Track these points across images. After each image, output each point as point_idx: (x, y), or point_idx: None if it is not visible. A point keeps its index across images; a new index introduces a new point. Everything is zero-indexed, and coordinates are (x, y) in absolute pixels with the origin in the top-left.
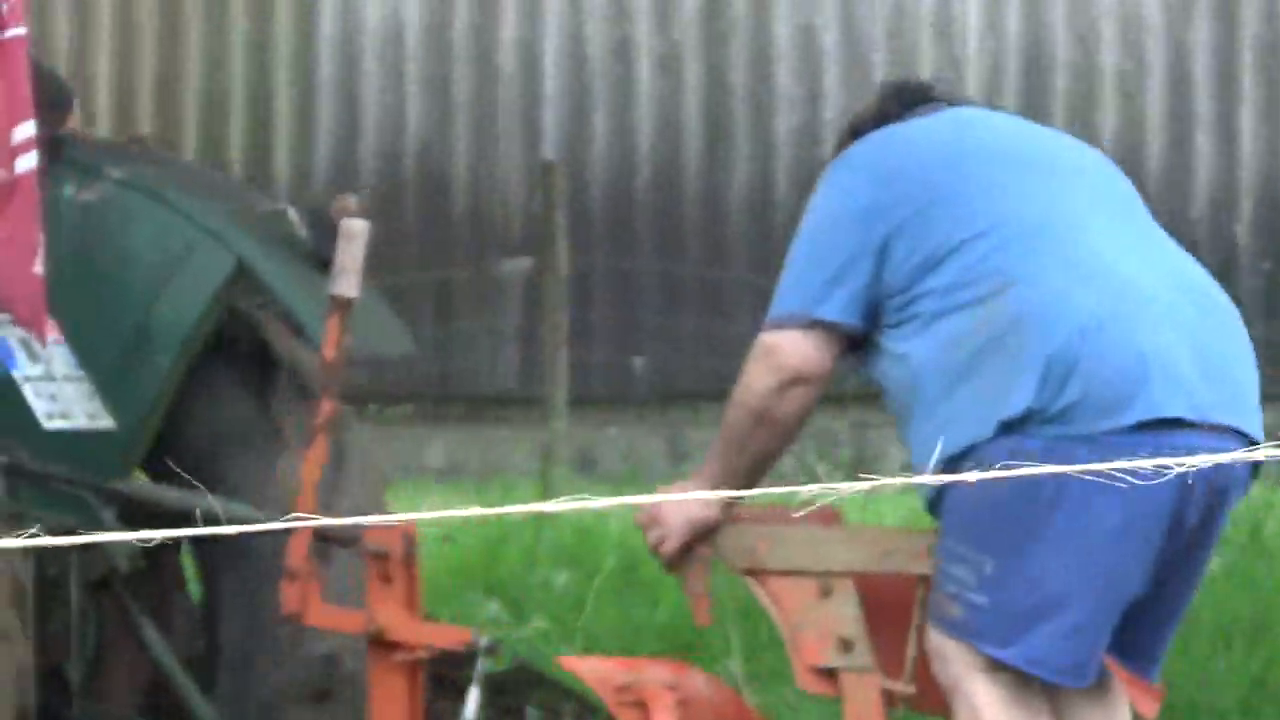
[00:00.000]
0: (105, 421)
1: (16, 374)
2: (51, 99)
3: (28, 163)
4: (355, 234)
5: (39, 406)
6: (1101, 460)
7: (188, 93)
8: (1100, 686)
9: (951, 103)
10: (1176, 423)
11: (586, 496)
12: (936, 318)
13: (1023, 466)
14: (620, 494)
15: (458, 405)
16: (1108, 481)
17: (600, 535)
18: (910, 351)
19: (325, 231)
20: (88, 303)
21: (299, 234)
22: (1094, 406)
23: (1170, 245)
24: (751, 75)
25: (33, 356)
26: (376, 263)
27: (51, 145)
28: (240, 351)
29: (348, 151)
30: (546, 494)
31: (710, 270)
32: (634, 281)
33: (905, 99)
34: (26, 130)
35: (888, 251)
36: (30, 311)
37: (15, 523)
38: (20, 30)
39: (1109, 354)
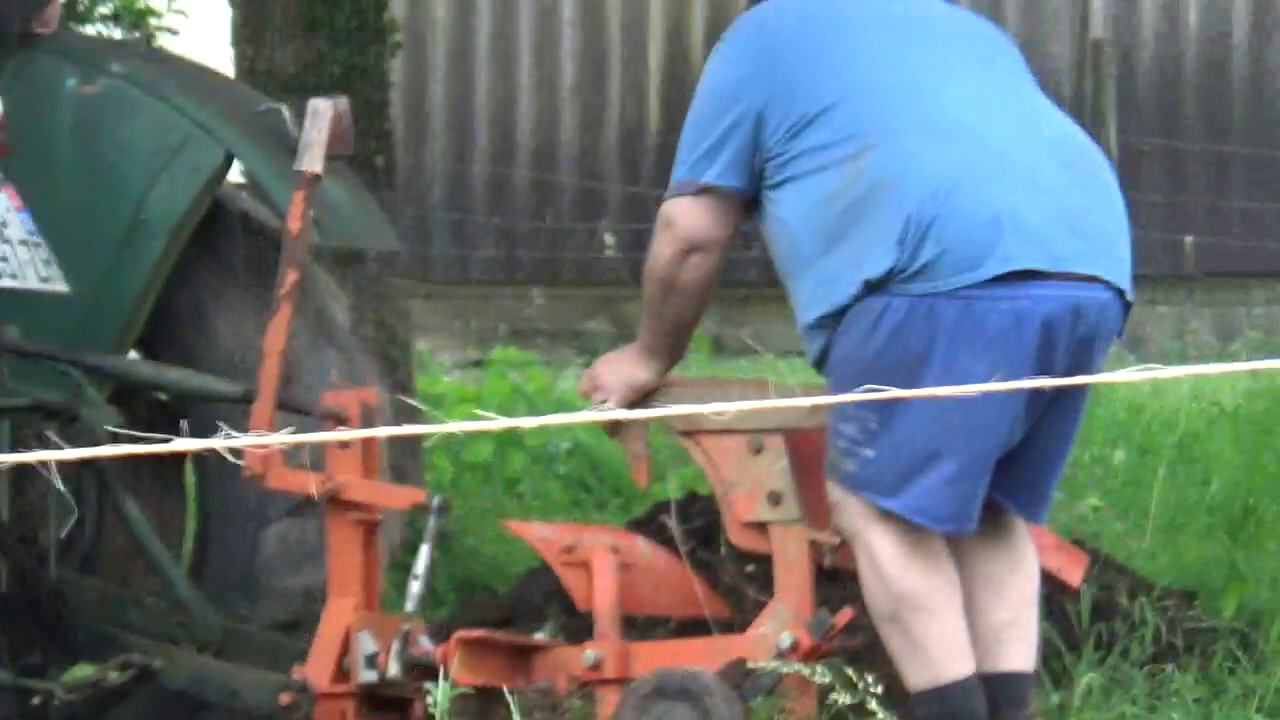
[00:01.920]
0: (58, 285)
1: None
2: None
3: None
4: (320, 112)
5: None
6: (964, 313)
7: None
8: (1006, 544)
9: None
10: (1034, 274)
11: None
12: (807, 176)
13: (893, 321)
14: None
15: None
16: (964, 338)
17: (1153, 412)
18: (788, 215)
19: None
20: (85, 187)
21: (290, 130)
22: (951, 263)
23: (1044, 108)
24: None
25: None
26: None
27: (47, 39)
28: (226, 238)
29: None
30: None
31: (1259, 149)
32: (1182, 161)
33: None
34: None
35: (762, 118)
36: None
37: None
38: None
39: (963, 212)
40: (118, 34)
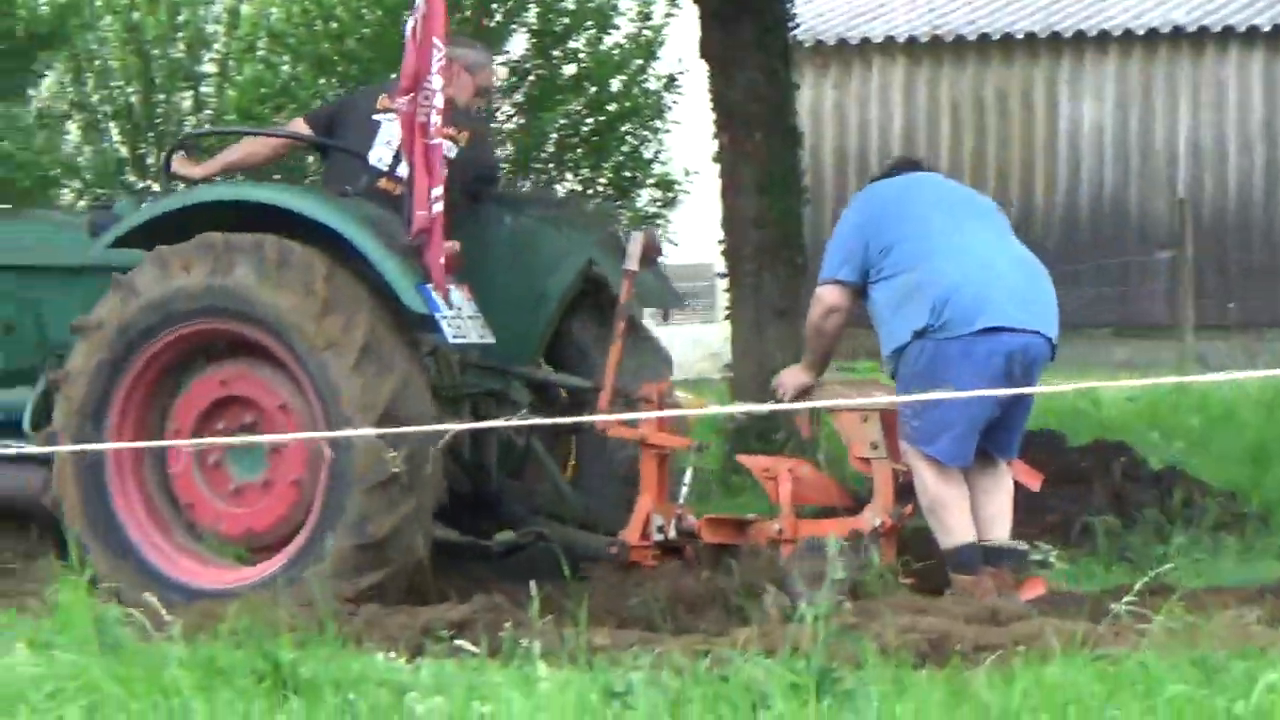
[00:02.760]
0: (489, 339)
1: (436, 313)
2: (487, 175)
3: (437, 208)
4: (635, 238)
5: (448, 330)
6: (964, 350)
7: None
8: (992, 472)
9: (918, 169)
10: (1001, 329)
11: None
12: (887, 279)
13: (926, 354)
14: None
15: None
16: (963, 362)
17: None
18: (877, 298)
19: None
20: (514, 278)
21: (626, 246)
22: (957, 323)
23: (1010, 237)
24: None
25: (448, 304)
26: None
27: (488, 197)
28: (590, 303)
29: None
30: None
31: None
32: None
33: (898, 166)
34: (437, 192)
35: (868, 246)
36: (439, 282)
37: (463, 392)
38: (438, 141)
39: (964, 297)
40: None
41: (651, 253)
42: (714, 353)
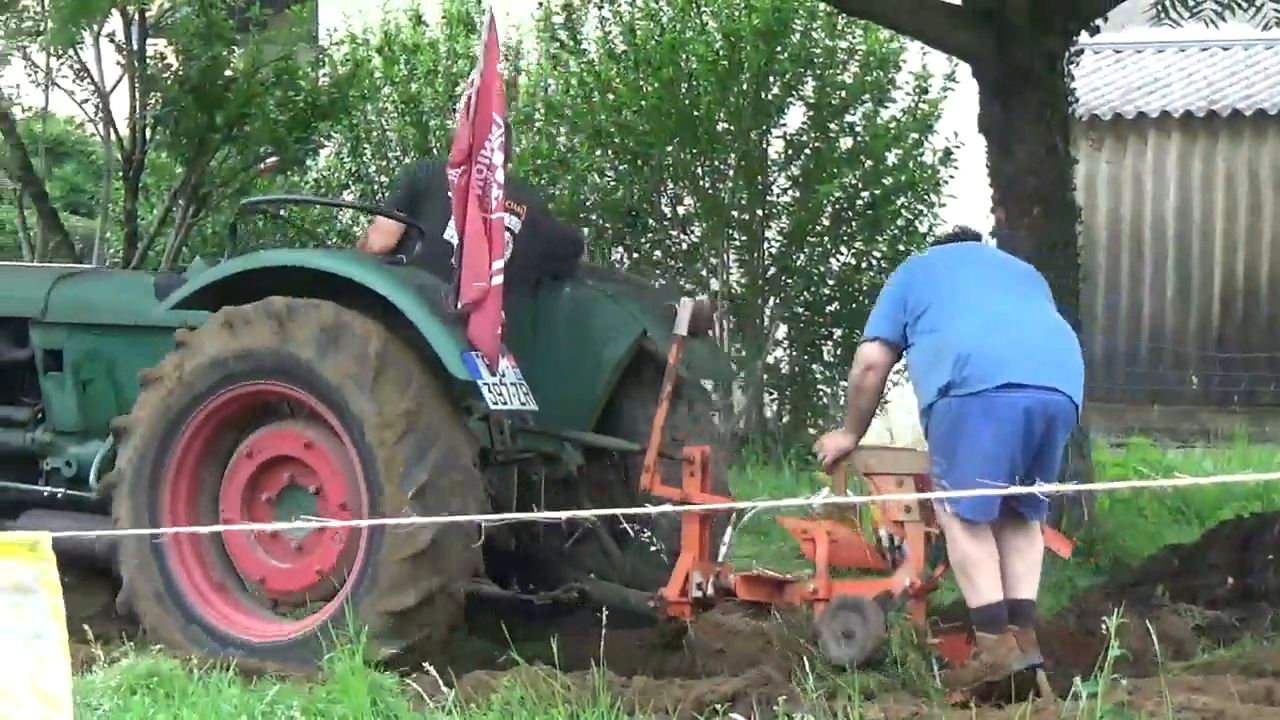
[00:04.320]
0: (530, 406)
1: (478, 380)
2: (568, 250)
3: (497, 280)
4: (685, 305)
5: (488, 397)
6: (985, 406)
7: None
8: (1023, 531)
9: (967, 238)
10: (1020, 385)
11: None
12: (920, 338)
13: (951, 411)
14: None
15: None
16: (984, 417)
17: None
18: (913, 357)
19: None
20: (572, 346)
21: (679, 316)
22: (978, 379)
23: (1042, 302)
24: None
25: (490, 372)
26: None
27: (562, 273)
28: (646, 372)
29: None
30: None
31: None
32: None
33: (953, 236)
34: (498, 265)
35: (908, 307)
36: (491, 352)
37: (514, 455)
38: (501, 215)
39: (985, 356)
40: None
41: (702, 320)
42: None
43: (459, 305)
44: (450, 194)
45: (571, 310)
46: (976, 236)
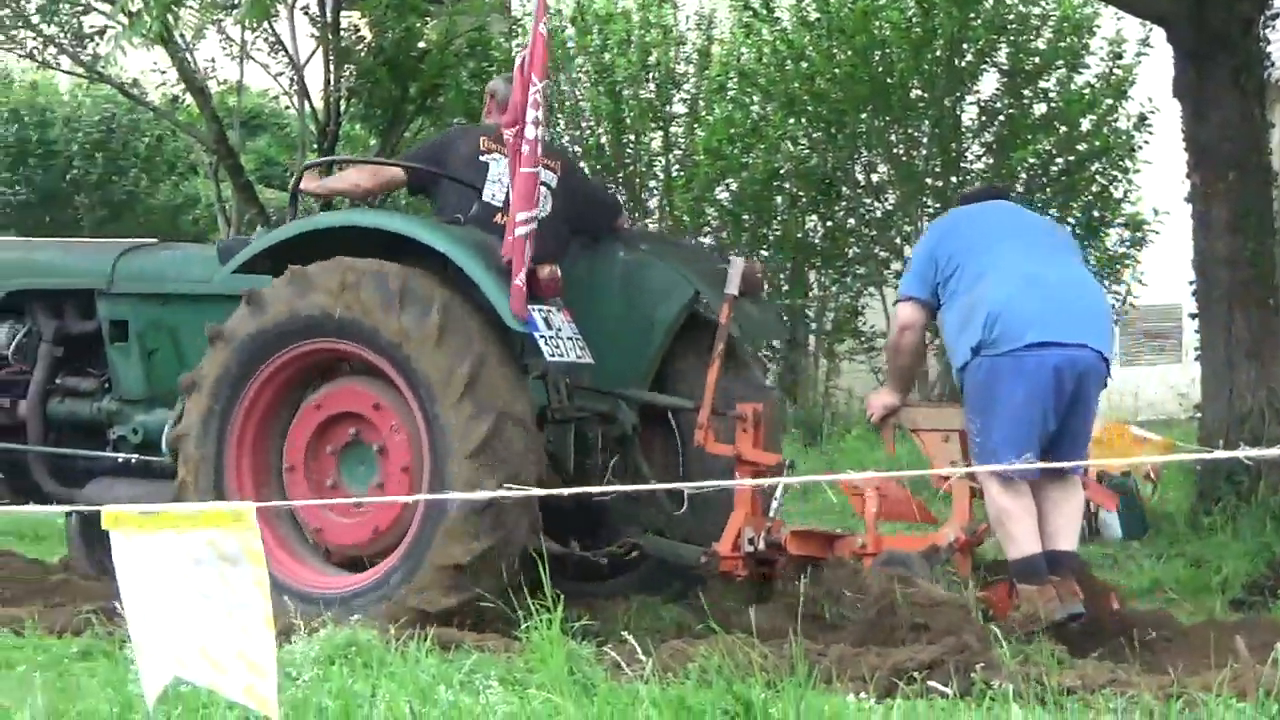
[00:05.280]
0: (586, 359)
1: (535, 333)
2: (608, 210)
3: (523, 230)
4: (735, 264)
5: (545, 350)
6: (1015, 365)
7: None
8: (1061, 485)
9: (997, 197)
10: (1050, 343)
11: None
12: (951, 299)
13: (983, 370)
14: None
15: None
16: (1015, 376)
17: None
18: (946, 316)
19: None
20: (625, 307)
21: (730, 276)
22: (1008, 339)
23: (1073, 263)
24: None
25: (548, 325)
26: None
27: (604, 231)
28: (699, 333)
29: None
30: None
31: None
32: None
33: (979, 194)
34: (522, 217)
35: (937, 266)
36: (518, 306)
37: (570, 413)
38: (534, 169)
39: (1014, 315)
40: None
41: (753, 281)
42: (1182, 393)
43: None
44: (484, 159)
45: (625, 272)
46: (1004, 194)
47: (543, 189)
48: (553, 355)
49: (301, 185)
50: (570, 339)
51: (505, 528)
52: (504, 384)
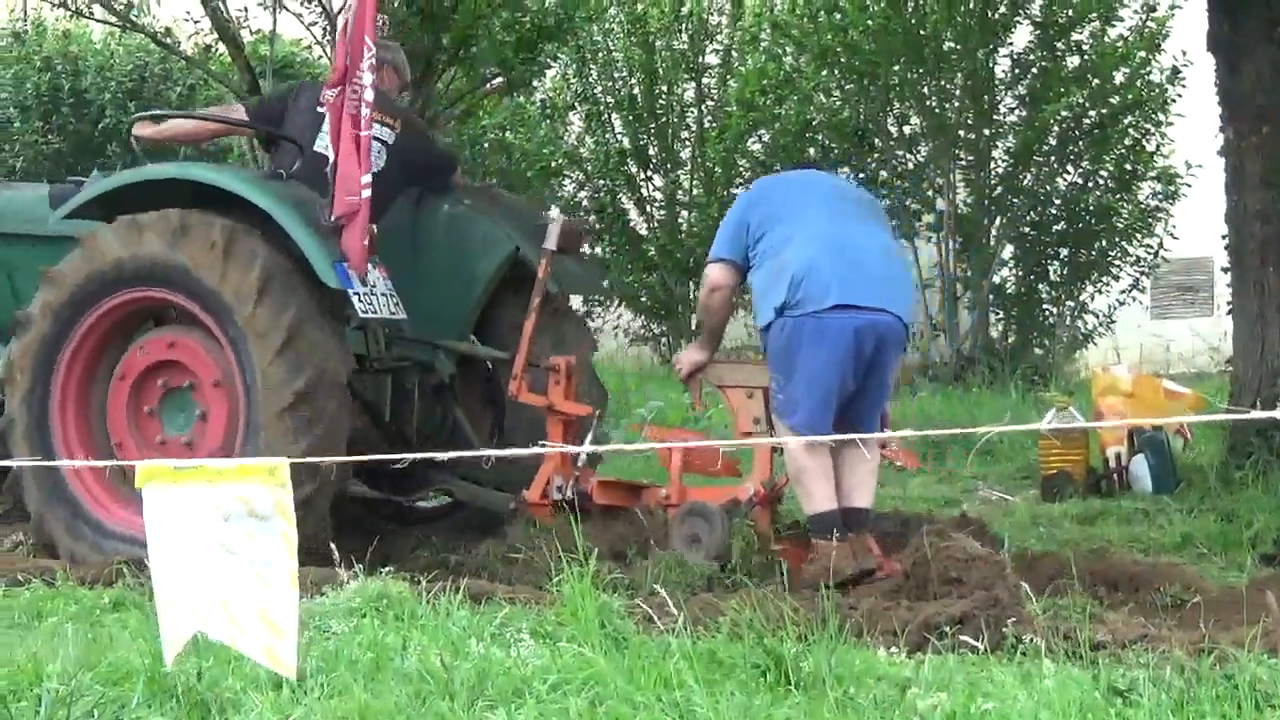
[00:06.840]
0: (400, 315)
1: (349, 289)
2: (443, 165)
3: (366, 193)
4: (556, 219)
5: (359, 305)
6: (818, 327)
7: None
8: (856, 445)
9: (814, 167)
10: (851, 306)
11: None
12: (761, 261)
13: (786, 330)
14: None
15: None
16: (817, 336)
17: None
18: (754, 279)
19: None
20: (448, 259)
21: (550, 232)
22: (811, 300)
23: (876, 227)
24: None
25: (362, 283)
26: None
27: (438, 187)
28: (521, 287)
29: None
30: None
31: None
32: None
33: (797, 166)
34: (366, 179)
35: (749, 229)
36: (359, 263)
37: (388, 362)
38: (372, 130)
39: (819, 278)
40: None
41: (572, 237)
42: (1213, 347)
43: (333, 218)
44: (321, 110)
45: (449, 226)
46: (819, 168)
47: (377, 144)
48: (365, 311)
49: (135, 132)
50: (385, 294)
51: (322, 474)
52: (321, 340)
